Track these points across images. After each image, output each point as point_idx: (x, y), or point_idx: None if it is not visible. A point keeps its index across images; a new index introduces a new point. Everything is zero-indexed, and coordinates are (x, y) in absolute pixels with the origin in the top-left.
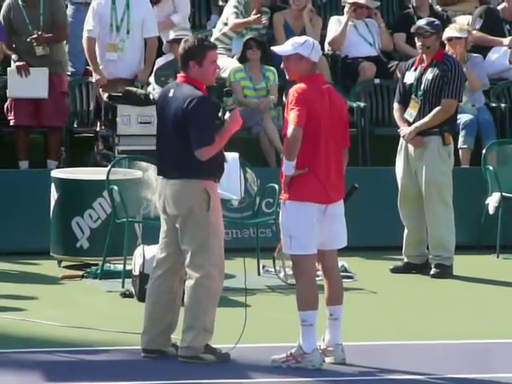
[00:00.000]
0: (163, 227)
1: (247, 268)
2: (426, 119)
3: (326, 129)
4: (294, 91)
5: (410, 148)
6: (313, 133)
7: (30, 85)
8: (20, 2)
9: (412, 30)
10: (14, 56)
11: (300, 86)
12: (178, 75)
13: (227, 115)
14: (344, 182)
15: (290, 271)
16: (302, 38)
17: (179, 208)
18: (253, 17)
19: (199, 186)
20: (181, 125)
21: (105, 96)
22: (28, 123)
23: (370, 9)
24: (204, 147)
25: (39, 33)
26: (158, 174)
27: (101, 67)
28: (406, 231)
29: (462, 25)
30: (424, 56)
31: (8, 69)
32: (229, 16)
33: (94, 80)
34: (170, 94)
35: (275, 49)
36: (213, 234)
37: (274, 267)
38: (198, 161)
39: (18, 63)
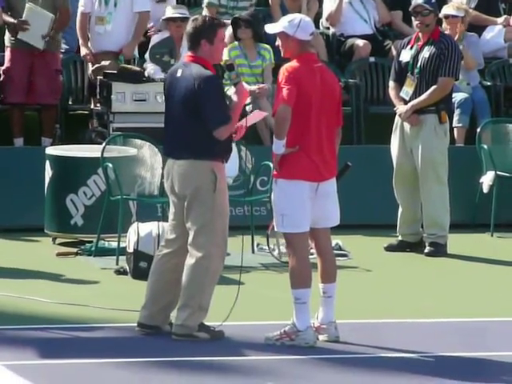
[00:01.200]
0: (171, 209)
1: (242, 246)
2: (422, 97)
3: (317, 107)
4: (284, 70)
5: (406, 126)
6: (303, 111)
7: (38, 24)
8: None
9: (410, 8)
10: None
11: (291, 64)
12: (186, 54)
13: (232, 90)
14: (336, 160)
15: (283, 249)
16: (290, 17)
17: (186, 188)
18: None
19: (207, 166)
20: (191, 105)
21: (90, 70)
22: (22, 100)
23: None
24: (222, 126)
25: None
26: (165, 154)
27: (89, 41)
28: (400, 210)
29: (459, 4)
30: (420, 34)
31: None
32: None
33: (81, 55)
34: (178, 74)
35: (266, 27)
36: (217, 214)
37: (268, 245)
38: (207, 141)
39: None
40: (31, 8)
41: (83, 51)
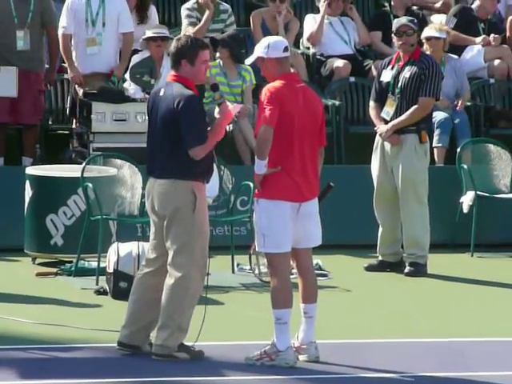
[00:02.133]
0: (152, 228)
1: (222, 266)
2: (403, 117)
3: (299, 127)
4: (266, 90)
5: (387, 146)
6: (286, 131)
7: (0, 83)
8: None
9: (394, 27)
10: None
11: (273, 84)
12: (169, 74)
13: (217, 110)
14: (319, 180)
15: (264, 269)
16: (261, 41)
17: (166, 207)
18: (205, 15)
19: (187, 186)
20: (171, 124)
21: (80, 92)
22: (4, 120)
23: (344, 2)
24: (198, 146)
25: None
26: (147, 173)
27: (76, 63)
28: (380, 229)
29: (441, 25)
30: (401, 54)
31: None
32: (186, 29)
33: (69, 77)
34: (161, 93)
35: (246, 60)
36: (197, 234)
37: (251, 264)
38: (187, 161)
39: None
40: (13, 72)
41: (71, 73)
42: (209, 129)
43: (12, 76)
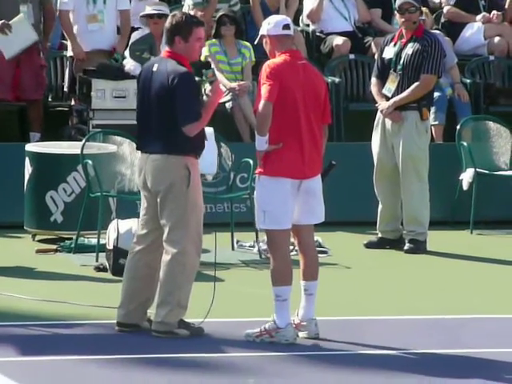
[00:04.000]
0: (143, 204)
1: (221, 243)
2: (404, 94)
3: (301, 104)
4: (266, 66)
5: (388, 123)
6: (286, 108)
7: (19, 36)
8: None
9: (396, 4)
10: None
11: (273, 60)
12: (163, 50)
13: (208, 88)
14: (322, 158)
15: (263, 246)
16: (266, 19)
17: (160, 183)
18: None
19: (180, 161)
20: (164, 100)
21: (80, 69)
22: (5, 96)
23: None
24: (192, 123)
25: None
26: (138, 149)
27: (78, 39)
28: (380, 207)
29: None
30: (404, 31)
31: None
32: (190, 10)
33: (70, 54)
34: (154, 69)
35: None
36: (191, 210)
37: (257, 239)
38: (181, 136)
39: None
40: (23, 19)
41: (75, 49)
42: None
43: (24, 24)
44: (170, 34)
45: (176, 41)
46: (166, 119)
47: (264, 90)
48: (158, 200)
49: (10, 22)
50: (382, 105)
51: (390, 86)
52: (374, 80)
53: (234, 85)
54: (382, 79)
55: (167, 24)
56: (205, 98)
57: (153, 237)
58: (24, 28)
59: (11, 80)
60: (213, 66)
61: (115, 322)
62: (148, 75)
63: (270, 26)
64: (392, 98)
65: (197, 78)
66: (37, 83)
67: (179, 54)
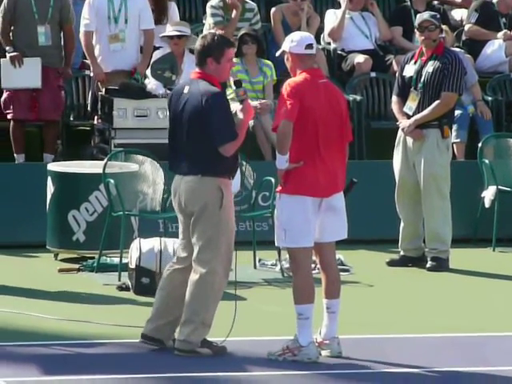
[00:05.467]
0: (180, 227)
1: (244, 261)
2: (425, 112)
3: (321, 123)
4: (287, 85)
5: (409, 141)
6: (307, 126)
7: (24, 75)
8: None
9: (416, 23)
10: (8, 47)
11: (294, 79)
12: (193, 71)
13: (239, 106)
14: (344, 175)
15: (285, 264)
16: (290, 35)
17: (194, 204)
18: (233, 15)
19: (214, 183)
20: (198, 121)
21: (102, 89)
22: (25, 117)
23: None
24: (228, 143)
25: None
26: (171, 170)
27: (99, 60)
28: (402, 224)
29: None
30: (424, 49)
31: (1, 60)
32: (211, 28)
33: (91, 74)
34: (185, 91)
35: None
36: (222, 231)
37: (279, 257)
38: (214, 158)
39: (11, 54)
40: (38, 63)
41: (95, 70)
42: None
43: (36, 67)
44: (201, 55)
45: (208, 62)
46: (199, 140)
47: (284, 108)
48: (192, 220)
49: (24, 58)
50: (403, 123)
51: (411, 104)
52: (394, 98)
53: (256, 103)
54: (403, 97)
55: (198, 46)
56: (239, 115)
57: (191, 260)
58: (34, 71)
59: (29, 101)
60: (232, 83)
61: (139, 340)
62: (179, 97)
63: (293, 43)
64: (413, 116)
65: None
66: (54, 104)
67: (210, 75)
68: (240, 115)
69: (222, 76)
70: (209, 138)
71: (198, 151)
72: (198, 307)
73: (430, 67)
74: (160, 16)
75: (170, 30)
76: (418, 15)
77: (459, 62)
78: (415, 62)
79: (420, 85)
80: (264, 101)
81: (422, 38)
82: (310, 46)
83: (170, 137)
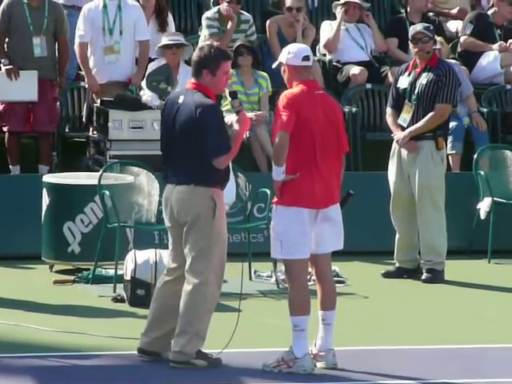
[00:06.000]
0: (170, 239)
1: (239, 273)
2: (419, 124)
3: (317, 134)
4: (283, 96)
5: (403, 152)
6: (304, 138)
7: (20, 88)
8: (25, 0)
9: (410, 34)
10: (3, 60)
11: (290, 90)
12: (189, 81)
13: (235, 118)
14: (340, 187)
15: (281, 276)
16: (287, 47)
17: (186, 214)
18: (228, 26)
19: (206, 193)
20: (191, 132)
21: (97, 101)
22: (20, 129)
23: (361, 9)
24: (222, 156)
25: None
26: (164, 179)
27: (94, 71)
28: (397, 236)
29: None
30: (418, 61)
31: None
32: (207, 40)
33: (86, 85)
34: (180, 101)
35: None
36: (215, 241)
37: (275, 269)
38: (207, 168)
39: (7, 66)
40: (34, 76)
41: (90, 82)
42: None
43: (32, 80)
44: (197, 66)
45: (204, 74)
46: (192, 150)
47: (281, 120)
48: (184, 230)
49: (20, 71)
50: (398, 135)
51: (405, 115)
52: (389, 110)
53: (251, 115)
54: (397, 109)
55: (195, 57)
56: (235, 127)
57: (182, 270)
58: (30, 84)
59: (25, 113)
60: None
61: (135, 352)
62: (174, 107)
63: (290, 55)
64: (407, 127)
65: None
66: (50, 116)
67: (205, 87)
68: (236, 126)
69: (217, 88)
70: (202, 148)
71: (190, 161)
72: (192, 318)
73: (423, 79)
74: (162, 21)
75: (165, 40)
76: (412, 27)
77: (453, 73)
78: (409, 74)
79: (414, 96)
80: (259, 112)
81: (416, 49)
82: (306, 58)
83: (163, 146)
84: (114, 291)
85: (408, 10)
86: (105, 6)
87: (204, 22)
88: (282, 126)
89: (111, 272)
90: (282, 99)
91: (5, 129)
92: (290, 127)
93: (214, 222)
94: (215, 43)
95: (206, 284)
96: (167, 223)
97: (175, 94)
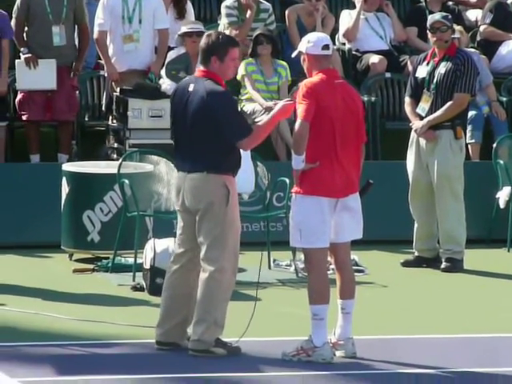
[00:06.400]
0: (180, 223)
1: (258, 262)
2: (438, 113)
3: (338, 123)
4: (303, 85)
5: (422, 142)
6: (324, 127)
7: (39, 76)
8: None
9: (428, 24)
10: (22, 49)
11: (310, 80)
12: (198, 69)
13: (270, 103)
14: (359, 176)
15: (300, 265)
16: (307, 35)
17: (199, 202)
18: (247, 15)
19: (219, 180)
20: (203, 119)
21: (117, 89)
22: (40, 117)
23: None
24: (245, 138)
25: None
26: (176, 167)
27: (113, 60)
28: (416, 225)
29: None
30: (437, 50)
31: (16, 61)
32: (226, 28)
33: (106, 74)
34: (190, 89)
35: (292, 55)
36: (229, 228)
37: (294, 258)
38: (219, 155)
39: (26, 55)
40: (53, 64)
41: (109, 70)
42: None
43: (51, 68)
44: (205, 53)
45: (212, 60)
46: (204, 138)
47: (300, 109)
48: (197, 218)
49: (39, 60)
50: (416, 124)
51: (424, 105)
52: (407, 99)
53: (271, 104)
54: (416, 98)
55: (202, 44)
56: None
57: (190, 255)
58: (49, 72)
59: (44, 101)
60: (248, 85)
61: (154, 340)
62: (184, 95)
63: (309, 44)
64: (426, 117)
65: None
66: (69, 105)
67: (214, 73)
68: (274, 109)
69: (225, 75)
70: (215, 135)
71: (202, 149)
72: (209, 306)
73: (442, 68)
74: (180, 9)
75: (184, 28)
76: (430, 16)
77: (471, 62)
78: (428, 63)
79: (433, 86)
80: (278, 101)
81: (434, 39)
82: (326, 47)
83: (174, 134)
84: (134, 280)
85: None
86: None
87: (223, 11)
88: (302, 115)
89: (130, 261)
90: (302, 88)
91: (24, 117)
92: (310, 116)
93: (227, 209)
94: (234, 32)
95: (221, 271)
96: (177, 208)
97: (185, 83)
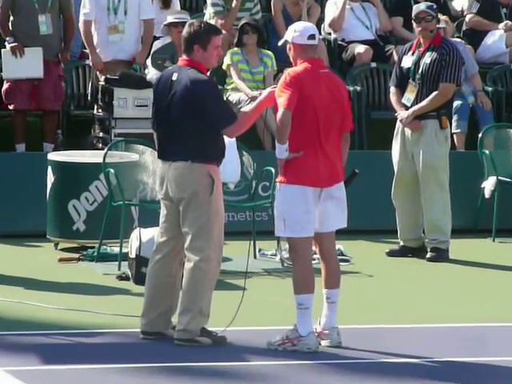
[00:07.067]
0: (163, 211)
1: (244, 251)
2: (423, 103)
3: (322, 112)
4: (286, 74)
5: (407, 132)
6: (307, 116)
7: (25, 65)
8: None
9: (413, 13)
10: (8, 38)
11: (294, 69)
12: (181, 58)
13: (255, 93)
14: (344, 165)
15: (285, 254)
16: (293, 25)
17: (183, 191)
18: (233, 4)
19: (203, 169)
20: (187, 109)
21: (102, 79)
22: (26, 106)
23: None
24: (231, 125)
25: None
26: (159, 157)
27: (98, 50)
28: (397, 215)
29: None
30: (422, 40)
31: (2, 50)
32: (211, 18)
33: (90, 63)
34: (174, 78)
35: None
36: (214, 218)
37: (279, 248)
38: (203, 144)
39: (12, 44)
40: (39, 53)
41: (94, 60)
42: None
43: (38, 57)
44: (188, 42)
45: (195, 49)
46: (188, 127)
47: (283, 98)
48: (181, 208)
49: (25, 48)
50: (402, 114)
51: (409, 95)
52: (392, 89)
53: (256, 93)
54: (401, 88)
55: (185, 33)
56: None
57: (172, 244)
58: (35, 61)
59: (30, 90)
60: (234, 74)
61: (139, 330)
62: (167, 84)
63: (295, 33)
64: (411, 107)
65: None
66: (55, 94)
67: (197, 62)
68: (259, 98)
69: (209, 63)
70: (200, 124)
71: (186, 138)
72: (194, 295)
73: (427, 58)
74: (167, 1)
75: (170, 18)
76: (415, 6)
77: (457, 52)
78: (413, 53)
79: (418, 76)
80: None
81: (419, 29)
82: (312, 37)
83: (156, 124)
84: (119, 269)
85: None
86: None
87: (209, 1)
88: (285, 103)
89: (116, 250)
90: (285, 77)
91: (11, 107)
92: (293, 105)
93: (211, 198)
94: (220, 22)
95: (207, 260)
96: (161, 197)
97: (168, 72)
